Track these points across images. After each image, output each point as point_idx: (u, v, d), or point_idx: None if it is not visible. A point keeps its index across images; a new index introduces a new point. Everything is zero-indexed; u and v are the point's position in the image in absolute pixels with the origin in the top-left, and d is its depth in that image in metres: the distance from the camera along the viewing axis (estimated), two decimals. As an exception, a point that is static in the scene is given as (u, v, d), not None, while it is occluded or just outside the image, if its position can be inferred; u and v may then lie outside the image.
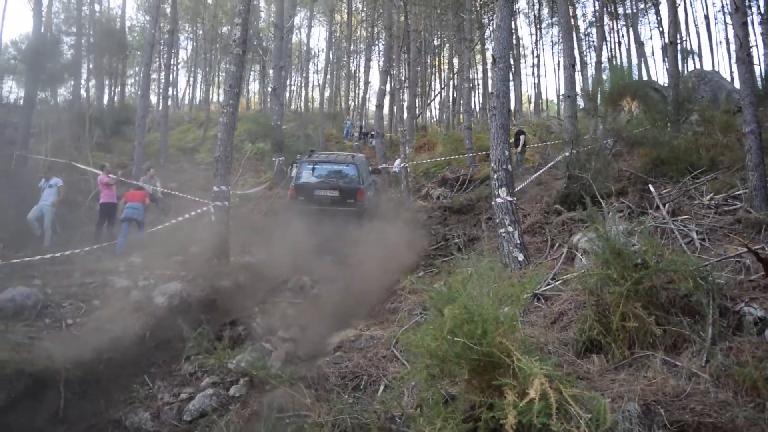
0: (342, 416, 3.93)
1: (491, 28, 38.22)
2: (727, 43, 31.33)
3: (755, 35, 27.75)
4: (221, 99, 46.20)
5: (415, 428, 3.55)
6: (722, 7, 29.97)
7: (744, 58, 7.75)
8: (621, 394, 3.64)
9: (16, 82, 29.16)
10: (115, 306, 7.69)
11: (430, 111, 45.85)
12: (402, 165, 18.15)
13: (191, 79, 49.41)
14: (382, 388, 4.98)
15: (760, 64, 21.18)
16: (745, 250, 5.27)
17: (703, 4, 33.75)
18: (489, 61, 36.39)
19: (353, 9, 42.53)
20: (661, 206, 7.60)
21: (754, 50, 10.18)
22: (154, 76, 34.14)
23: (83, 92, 27.01)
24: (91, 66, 26.70)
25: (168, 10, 26.86)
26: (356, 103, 45.38)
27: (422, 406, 4.04)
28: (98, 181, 12.96)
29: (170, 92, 33.89)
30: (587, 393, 3.26)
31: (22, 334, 6.57)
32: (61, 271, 9.37)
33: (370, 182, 14.03)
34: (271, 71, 41.32)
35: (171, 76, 32.70)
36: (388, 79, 25.97)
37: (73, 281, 8.85)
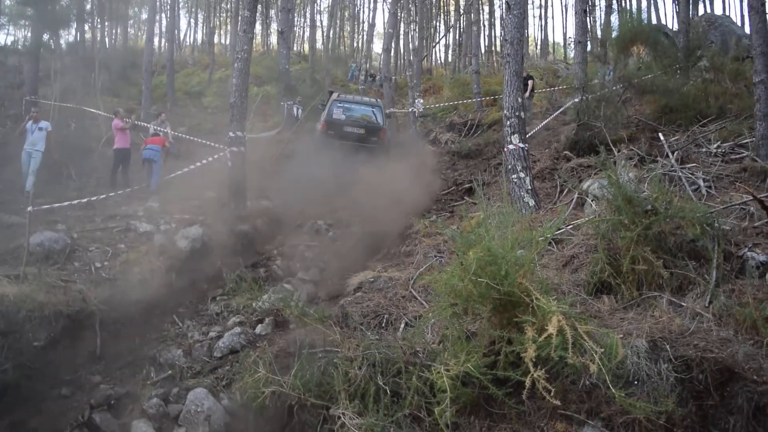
0: (370, 351, 4.21)
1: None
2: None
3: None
4: (224, 41, 45.74)
5: (440, 361, 3.83)
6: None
7: (757, 7, 7.78)
8: (630, 332, 3.91)
9: (14, 26, 28.94)
10: (141, 250, 7.98)
11: (435, 53, 45.30)
12: (414, 108, 18.58)
13: (192, 20, 48.75)
14: (403, 325, 5.28)
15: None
16: (750, 197, 5.48)
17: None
18: (496, 3, 35.89)
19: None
20: (669, 154, 7.77)
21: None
22: (156, 17, 33.69)
23: (88, 35, 26.78)
24: (94, 8, 26.35)
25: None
26: (360, 45, 44.84)
27: (444, 342, 4.34)
28: (113, 126, 13.03)
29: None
30: (600, 330, 3.54)
31: (55, 277, 6.82)
32: (83, 216, 9.59)
33: (387, 124, 15.27)
34: (272, 12, 40.85)
35: (175, 18, 32.15)
36: (395, 21, 25.62)
37: (96, 226, 9.10)
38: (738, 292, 4.36)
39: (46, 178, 12.15)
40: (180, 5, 43.28)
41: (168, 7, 32.82)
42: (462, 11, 38.03)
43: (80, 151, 14.45)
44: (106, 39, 30.90)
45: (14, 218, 8.84)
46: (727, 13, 30.45)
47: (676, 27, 20.10)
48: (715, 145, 8.08)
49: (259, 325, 6.36)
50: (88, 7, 24.55)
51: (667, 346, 3.68)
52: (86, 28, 25.23)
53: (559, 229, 6.24)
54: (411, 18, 31.23)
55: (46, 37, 18.87)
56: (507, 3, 8.49)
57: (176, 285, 7.58)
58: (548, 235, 4.27)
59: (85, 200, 9.49)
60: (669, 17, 38.82)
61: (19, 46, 24.11)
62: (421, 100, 21.04)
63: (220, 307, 7.03)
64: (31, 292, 6.11)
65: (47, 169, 12.31)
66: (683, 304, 4.36)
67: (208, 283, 7.82)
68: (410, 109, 18.33)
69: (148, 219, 9.57)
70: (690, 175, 7.07)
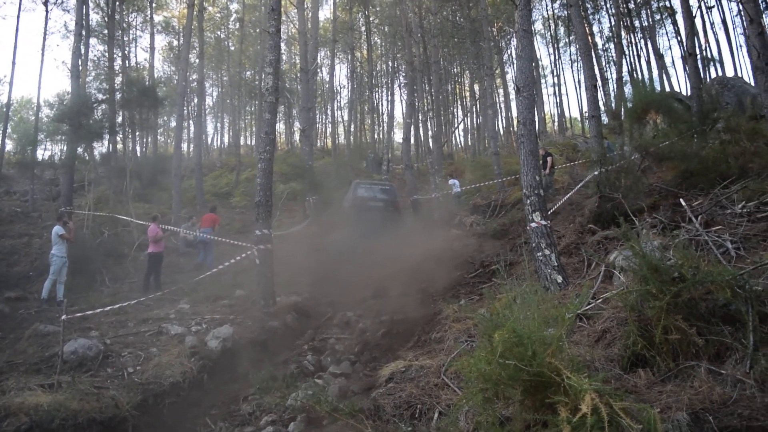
0: (403, 443, 4.11)
1: (509, 53, 38.72)
2: (749, 46, 31.08)
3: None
4: (250, 142, 47.35)
5: (475, 450, 3.72)
6: (739, 11, 29.83)
7: (763, 68, 7.92)
8: (669, 405, 3.77)
9: (51, 141, 30.39)
10: (173, 352, 8.02)
11: (455, 138, 46.21)
12: (454, 189, 19.41)
13: (218, 124, 50.78)
14: (436, 415, 5.15)
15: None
16: (780, 256, 5.38)
17: (720, 9, 33.61)
18: (510, 85, 36.83)
19: (372, 44, 43.36)
20: (693, 218, 7.68)
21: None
22: (184, 124, 35.12)
23: (119, 146, 27.93)
24: (125, 121, 27.57)
25: (192, 60, 27.78)
26: (381, 136, 45.96)
27: (478, 429, 4.22)
28: (148, 231, 13.32)
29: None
30: (637, 405, 3.42)
31: (88, 384, 6.89)
32: (116, 322, 9.77)
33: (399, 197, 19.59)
34: (294, 111, 42.36)
35: (202, 124, 33.47)
36: (413, 111, 26.38)
37: (129, 330, 9.23)
38: (779, 355, 4.21)
39: (82, 283, 12.44)
40: (206, 112, 45.30)
41: (195, 113, 34.25)
42: (477, 96, 39.04)
43: (113, 257, 14.81)
44: (138, 147, 32.17)
45: (50, 327, 9.01)
46: (739, 74, 30.75)
47: (689, 92, 20.35)
48: (740, 206, 7.96)
49: (292, 423, 6.23)
50: (120, 119, 25.68)
51: (710, 418, 3.55)
52: (118, 138, 26.32)
53: (589, 304, 6.14)
54: (428, 107, 32.16)
55: (80, 150, 19.73)
56: (517, 86, 8.71)
57: (208, 386, 7.59)
58: (574, 312, 4.21)
59: (117, 306, 9.66)
60: (682, 82, 39.40)
61: (56, 160, 25.25)
62: (458, 181, 21.51)
63: (252, 407, 6.92)
64: (65, 401, 6.16)
65: (82, 275, 12.63)
66: (723, 371, 4.21)
67: (240, 383, 7.78)
68: (433, 195, 18.66)
69: (180, 321, 9.68)
70: (717, 238, 6.94)
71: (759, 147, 10.27)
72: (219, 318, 9.80)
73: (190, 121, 39.49)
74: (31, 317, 10.33)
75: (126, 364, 7.72)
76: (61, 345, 7.36)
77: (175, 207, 20.67)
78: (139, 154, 31.32)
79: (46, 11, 24.59)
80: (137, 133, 31.28)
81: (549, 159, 16.84)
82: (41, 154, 30.56)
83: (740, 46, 35.12)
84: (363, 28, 41.93)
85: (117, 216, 17.62)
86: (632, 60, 36.92)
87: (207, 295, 11.62)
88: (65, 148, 22.09)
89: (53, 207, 19.21)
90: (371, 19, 41.63)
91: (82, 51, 21.12)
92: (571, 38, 39.38)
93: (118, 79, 26.89)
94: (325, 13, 43.69)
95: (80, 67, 19.65)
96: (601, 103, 19.57)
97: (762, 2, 27.78)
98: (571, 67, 43.05)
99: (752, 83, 21.86)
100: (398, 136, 44.27)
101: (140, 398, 6.79)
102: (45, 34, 25.16)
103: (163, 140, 46.80)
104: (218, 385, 7.68)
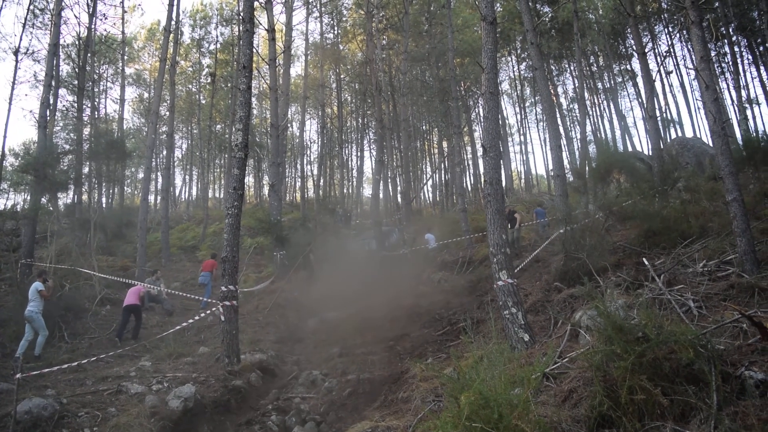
0: None
1: (476, 112, 39.65)
2: (705, 111, 32.30)
3: (730, 98, 28.91)
4: (218, 195, 47.15)
5: None
6: (696, 76, 31.07)
7: (719, 132, 8.21)
8: (636, 468, 3.76)
9: (14, 190, 29.82)
10: (132, 412, 7.73)
11: (424, 194, 46.68)
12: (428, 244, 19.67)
13: (186, 176, 50.56)
14: (403, 478, 5.05)
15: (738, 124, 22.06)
16: (741, 315, 5.47)
17: (678, 74, 35.12)
18: (478, 143, 37.57)
19: (342, 101, 44.05)
20: (656, 277, 7.82)
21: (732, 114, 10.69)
22: (152, 176, 34.83)
23: (84, 197, 27.55)
24: (92, 172, 27.27)
25: (163, 112, 27.82)
26: (350, 191, 46.19)
27: (445, 494, 4.12)
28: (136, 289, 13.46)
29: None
30: (603, 468, 3.40)
31: (41, 448, 6.62)
32: (74, 380, 9.41)
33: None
34: (264, 165, 42.43)
35: (170, 176, 33.24)
36: (382, 167, 26.66)
37: (87, 389, 8.89)
38: (742, 414, 4.23)
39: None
40: (175, 164, 45.10)
41: (163, 165, 34.06)
42: (445, 153, 39.68)
43: (73, 311, 14.38)
44: (103, 199, 31.69)
45: (4, 385, 8.66)
46: (697, 135, 31.96)
47: (650, 151, 21.04)
48: (701, 264, 8.15)
49: (254, 486, 6.05)
50: (87, 170, 25.38)
51: (677, 481, 3.53)
52: (84, 189, 25.96)
53: (555, 363, 6.14)
54: (397, 163, 32.52)
55: (44, 200, 19.43)
56: (483, 147, 8.89)
57: (168, 448, 7.32)
58: (541, 372, 4.21)
59: (75, 363, 9.36)
60: (643, 141, 40.82)
61: (18, 210, 24.72)
62: (433, 236, 21.60)
63: (213, 470, 6.71)
64: (16, 466, 5.88)
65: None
66: (688, 432, 4.23)
67: (201, 445, 7.55)
68: (402, 251, 18.67)
69: (141, 379, 9.37)
70: (679, 297, 7.07)
71: (718, 206, 10.60)
72: (181, 376, 9.53)
73: (158, 173, 39.27)
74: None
75: (82, 425, 7.42)
76: (15, 404, 7.06)
77: (140, 260, 20.36)
78: (104, 206, 30.87)
79: (16, 61, 24.43)
80: (103, 185, 30.93)
81: (516, 216, 17.17)
82: (3, 203, 29.99)
83: (698, 108, 36.60)
84: (334, 85, 42.65)
85: (79, 269, 17.20)
86: (596, 120, 38.18)
87: (169, 352, 11.30)
88: (29, 198, 21.69)
89: (13, 259, 18.69)
90: (342, 76, 42.41)
91: (51, 101, 21.01)
92: (536, 98, 40.60)
93: (87, 130, 26.70)
94: (297, 70, 44.48)
95: (48, 118, 19.54)
96: (566, 161, 20.12)
97: (717, 69, 29.21)
98: (537, 126, 44.27)
99: (710, 143, 22.72)
100: (367, 191, 44.70)
101: (96, 462, 6.52)
102: (14, 83, 24.96)
103: (130, 191, 46.41)
104: (178, 448, 7.43)
